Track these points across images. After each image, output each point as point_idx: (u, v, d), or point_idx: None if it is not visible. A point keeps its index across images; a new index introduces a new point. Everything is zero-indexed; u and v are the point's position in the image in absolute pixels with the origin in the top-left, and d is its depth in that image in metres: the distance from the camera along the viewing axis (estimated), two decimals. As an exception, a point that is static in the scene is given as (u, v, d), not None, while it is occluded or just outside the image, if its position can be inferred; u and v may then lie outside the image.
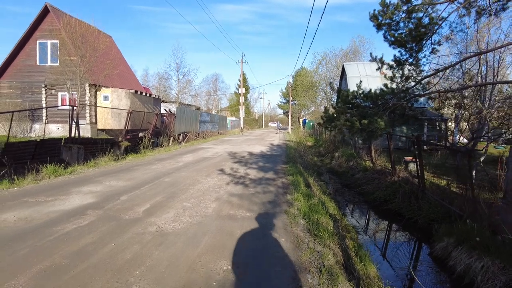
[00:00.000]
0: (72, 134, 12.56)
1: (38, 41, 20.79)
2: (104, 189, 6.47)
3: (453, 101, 8.85)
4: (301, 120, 64.43)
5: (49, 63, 20.77)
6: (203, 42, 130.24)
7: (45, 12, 20.50)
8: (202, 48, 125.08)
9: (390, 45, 7.67)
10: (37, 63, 20.87)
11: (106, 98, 20.72)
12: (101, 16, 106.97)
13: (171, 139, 21.45)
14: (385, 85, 6.92)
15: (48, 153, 11.29)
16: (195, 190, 6.33)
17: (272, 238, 3.84)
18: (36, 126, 20.84)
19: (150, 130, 18.91)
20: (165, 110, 27.12)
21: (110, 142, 15.01)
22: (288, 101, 71.96)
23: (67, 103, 19.35)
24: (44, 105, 20.68)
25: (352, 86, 21.94)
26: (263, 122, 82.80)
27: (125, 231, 3.90)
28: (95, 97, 20.77)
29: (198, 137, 27.03)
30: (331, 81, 33.31)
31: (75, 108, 13.08)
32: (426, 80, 6.94)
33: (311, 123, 46.17)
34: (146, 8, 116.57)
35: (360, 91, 7.52)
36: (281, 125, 48.35)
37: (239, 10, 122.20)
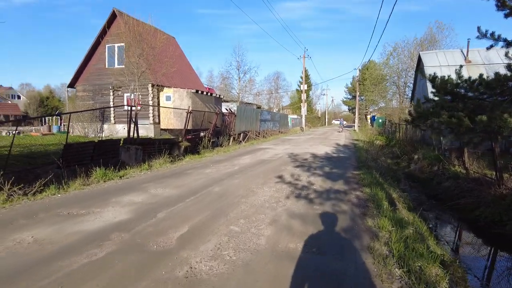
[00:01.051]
0: (132, 135, 12.41)
1: (106, 45, 21.73)
2: (146, 200, 5.62)
3: None
4: (368, 117, 60.22)
5: (116, 66, 21.59)
6: (264, 41, 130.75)
7: (113, 17, 21.30)
8: (263, 47, 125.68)
9: (507, 15, 5.64)
10: (106, 66, 21.85)
11: (168, 98, 20.84)
12: (169, 21, 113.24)
13: (231, 138, 20.84)
14: (508, 66, 4.97)
15: (107, 154, 11.13)
16: (247, 206, 5.14)
17: (354, 303, 2.44)
18: (105, 126, 21.82)
19: (210, 129, 18.46)
20: (226, 109, 26.82)
21: (170, 142, 14.72)
22: (354, 97, 67.91)
23: (132, 104, 19.87)
24: (112, 105, 21.59)
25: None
26: (326, 120, 79.64)
27: (144, 275, 2.83)
28: (158, 97, 21.03)
29: (258, 136, 26.18)
30: (418, 66, 29.82)
31: (133, 108, 12.92)
32: None
33: (380, 120, 42.59)
34: (210, 11, 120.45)
35: (463, 78, 5.63)
36: (345, 122, 45.27)
37: (300, 6, 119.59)
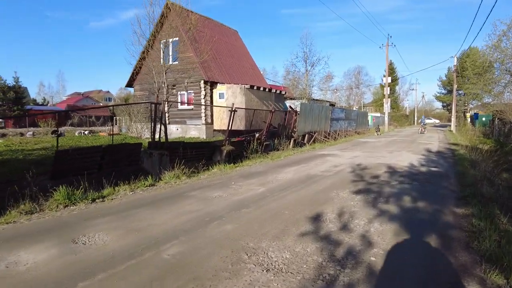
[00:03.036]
0: (158, 137, 10.38)
1: (161, 41, 20.49)
2: (43, 265, 3.03)
3: None
4: (468, 114, 50.46)
5: (170, 62, 20.25)
6: (345, 38, 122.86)
7: (166, 10, 19.95)
8: (345, 44, 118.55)
9: None
10: (161, 63, 20.65)
11: (221, 95, 18.69)
12: (248, 22, 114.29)
13: (291, 141, 17.78)
14: None
15: (122, 161, 9.17)
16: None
17: None
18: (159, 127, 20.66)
19: (263, 131, 15.68)
20: (290, 107, 23.83)
21: (210, 146, 12.35)
22: (449, 91, 57.87)
23: (156, 101, 18.25)
24: (166, 106, 20.32)
25: None
26: (415, 118, 70.15)
27: None
28: (211, 95, 19.01)
29: (328, 137, 22.52)
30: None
31: (159, 106, 10.85)
32: None
33: (484, 118, 34.58)
34: (290, 11, 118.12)
35: None
36: (436, 120, 37.65)
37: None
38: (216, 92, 18.81)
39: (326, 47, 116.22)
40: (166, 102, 11.03)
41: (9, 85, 38.94)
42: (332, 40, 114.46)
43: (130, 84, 22.12)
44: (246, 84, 18.15)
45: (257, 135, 15.91)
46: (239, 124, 17.91)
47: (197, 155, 11.66)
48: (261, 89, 19.05)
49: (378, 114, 50.08)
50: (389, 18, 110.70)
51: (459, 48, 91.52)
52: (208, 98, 18.65)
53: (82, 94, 63.70)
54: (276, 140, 15.80)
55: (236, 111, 13.31)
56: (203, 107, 18.46)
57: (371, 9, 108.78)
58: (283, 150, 15.85)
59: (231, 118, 13.00)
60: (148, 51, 20.98)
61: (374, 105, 67.53)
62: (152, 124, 10.67)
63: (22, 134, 24.13)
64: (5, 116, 36.33)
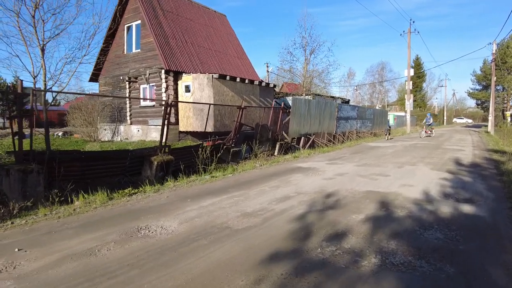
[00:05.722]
0: (26, 143, 6.76)
1: (125, 26, 16.94)
2: None
3: None
4: (507, 113, 43.99)
5: (133, 50, 16.65)
6: (368, 35, 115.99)
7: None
8: (369, 42, 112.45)
9: None
10: (125, 52, 17.10)
11: (188, 88, 14.85)
12: (266, 21, 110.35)
13: (277, 145, 13.79)
14: None
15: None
16: None
17: None
18: (121, 127, 17.15)
19: (231, 134, 11.74)
20: (275, 101, 19.65)
21: (133, 156, 8.46)
22: (485, 87, 51.05)
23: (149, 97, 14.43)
24: (127, 102, 16.76)
25: None
26: (445, 118, 63.47)
27: None
28: (176, 88, 15.17)
29: (333, 140, 18.24)
30: None
31: (25, 97, 7.16)
32: None
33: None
34: (312, 10, 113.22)
35: None
36: (470, 120, 31.94)
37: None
38: (181, 84, 14.98)
39: (349, 47, 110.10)
40: (34, 93, 7.27)
41: (9, 84, 37.40)
42: (355, 39, 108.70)
43: (94, 78, 18.68)
44: (215, 73, 14.16)
45: (227, 138, 12.00)
46: (208, 125, 14.01)
47: (108, 170, 7.91)
48: (238, 80, 15.00)
49: (403, 114, 44.93)
50: (415, 15, 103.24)
51: (495, 37, 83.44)
52: (172, 92, 14.81)
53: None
54: (245, 146, 11.80)
55: (173, 105, 9.42)
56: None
57: (397, 6, 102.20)
58: (263, 157, 12.03)
59: (165, 115, 9.17)
60: (113, 38, 17.45)
61: (399, 103, 61.93)
62: (17, 124, 6.82)
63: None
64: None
